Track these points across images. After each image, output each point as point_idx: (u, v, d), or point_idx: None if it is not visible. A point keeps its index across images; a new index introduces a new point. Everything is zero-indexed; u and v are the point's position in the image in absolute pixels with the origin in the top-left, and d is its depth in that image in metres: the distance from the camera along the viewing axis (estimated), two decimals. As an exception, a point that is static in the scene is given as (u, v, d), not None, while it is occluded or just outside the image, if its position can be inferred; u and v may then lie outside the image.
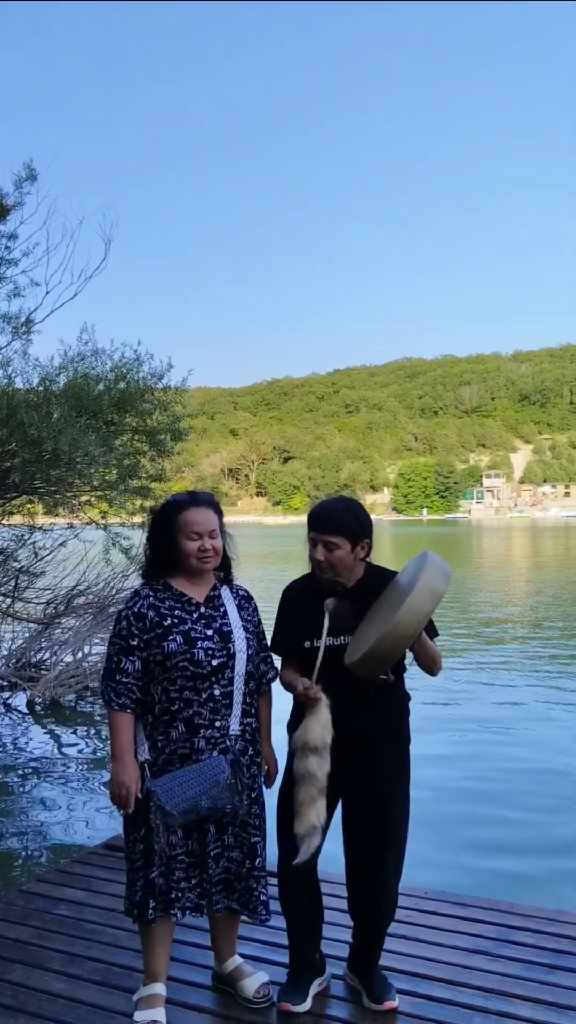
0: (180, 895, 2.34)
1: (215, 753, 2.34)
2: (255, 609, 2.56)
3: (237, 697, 2.40)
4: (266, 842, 2.49)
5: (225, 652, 2.38)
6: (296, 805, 2.31)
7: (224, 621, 2.42)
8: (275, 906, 2.63)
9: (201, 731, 2.34)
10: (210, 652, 2.35)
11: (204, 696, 2.34)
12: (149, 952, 2.42)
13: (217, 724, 2.35)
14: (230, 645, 2.39)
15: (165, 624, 2.36)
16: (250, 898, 2.44)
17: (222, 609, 2.45)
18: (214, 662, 2.35)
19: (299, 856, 2.31)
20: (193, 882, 2.37)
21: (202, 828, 2.35)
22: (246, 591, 2.58)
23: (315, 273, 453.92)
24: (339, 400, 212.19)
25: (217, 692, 2.35)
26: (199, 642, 2.35)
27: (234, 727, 2.39)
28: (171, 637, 2.34)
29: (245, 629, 2.46)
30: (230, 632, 2.41)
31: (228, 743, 2.37)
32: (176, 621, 2.37)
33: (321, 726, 2.32)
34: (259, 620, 2.57)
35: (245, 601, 2.54)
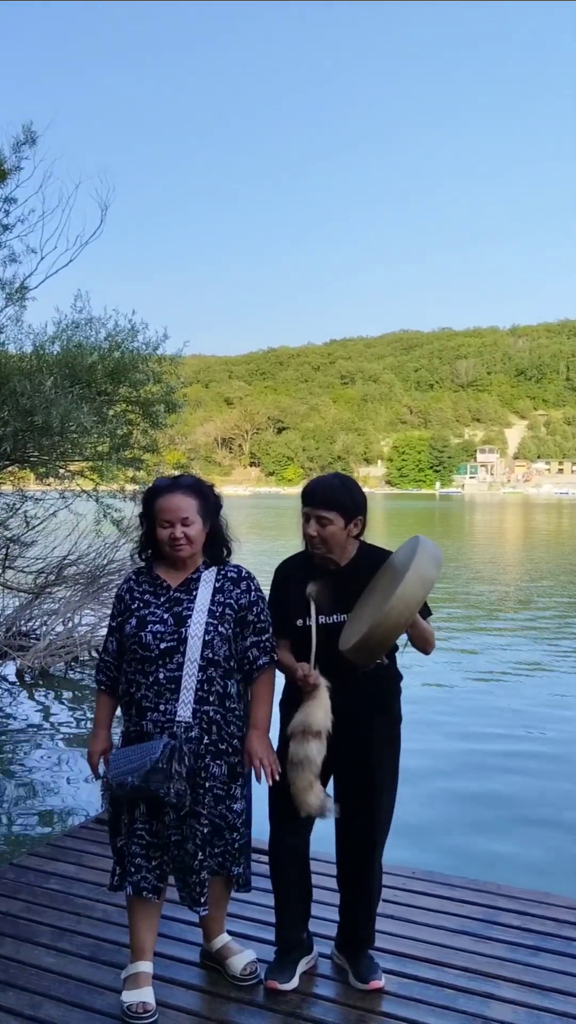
0: (134, 871, 2.35)
1: (164, 736, 2.32)
2: (244, 591, 2.43)
3: (187, 683, 2.32)
4: (250, 841, 2.48)
5: (176, 637, 2.33)
6: (293, 792, 2.32)
7: (187, 606, 2.37)
8: (265, 883, 2.65)
9: (148, 714, 2.34)
10: (159, 636, 2.34)
11: (150, 679, 2.35)
12: (132, 928, 2.43)
13: (162, 708, 2.33)
14: (183, 630, 2.33)
15: (132, 608, 2.43)
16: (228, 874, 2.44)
17: (193, 593, 2.40)
18: (162, 646, 2.33)
19: (305, 811, 2.34)
20: (153, 863, 2.36)
21: (159, 812, 2.32)
22: (237, 572, 2.47)
23: (314, 243, 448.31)
24: (335, 371, 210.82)
25: (161, 676, 2.33)
26: (149, 625, 2.37)
27: (182, 713, 2.32)
28: (130, 619, 2.40)
29: (212, 614, 2.37)
30: (188, 617, 2.35)
31: (176, 729, 2.31)
32: (140, 604, 2.41)
33: (324, 711, 2.32)
34: (250, 602, 2.43)
35: (231, 583, 2.44)
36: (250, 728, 2.43)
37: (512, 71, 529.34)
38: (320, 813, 2.34)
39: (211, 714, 2.35)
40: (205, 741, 2.35)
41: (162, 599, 2.41)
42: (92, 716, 2.49)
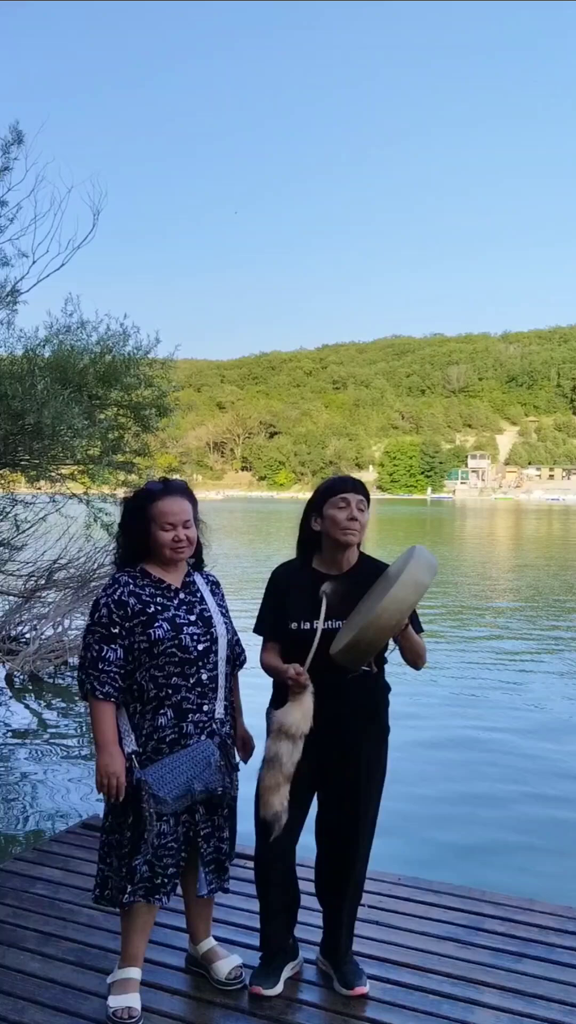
0: (167, 881, 2.36)
1: (203, 737, 2.38)
2: (223, 595, 2.62)
3: (221, 681, 2.45)
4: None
5: (208, 637, 2.42)
6: (260, 790, 2.33)
7: (203, 607, 2.47)
8: (250, 889, 2.66)
9: (189, 716, 2.37)
10: (195, 637, 2.39)
11: (192, 681, 2.37)
12: (128, 936, 2.43)
13: (204, 708, 2.40)
14: (212, 630, 2.44)
15: (149, 611, 2.37)
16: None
17: (199, 595, 2.49)
18: (199, 647, 2.39)
19: (274, 834, 2.34)
20: (182, 866, 2.41)
21: (191, 810, 2.39)
22: (214, 577, 2.63)
23: (306, 249, 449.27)
24: (327, 376, 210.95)
25: (204, 676, 2.40)
26: (185, 628, 2.38)
27: (219, 710, 2.43)
28: (157, 624, 2.36)
29: (221, 613, 2.51)
30: (211, 617, 2.46)
31: (215, 726, 2.41)
32: (160, 608, 2.39)
33: (302, 714, 2.33)
34: (227, 604, 2.62)
35: (215, 587, 2.59)
36: (238, 714, 2.58)
37: (505, 79, 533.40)
38: (274, 819, 2.31)
39: (228, 708, 2.50)
40: (231, 733, 2.49)
41: (175, 601, 2.43)
42: (84, 721, 2.45)
